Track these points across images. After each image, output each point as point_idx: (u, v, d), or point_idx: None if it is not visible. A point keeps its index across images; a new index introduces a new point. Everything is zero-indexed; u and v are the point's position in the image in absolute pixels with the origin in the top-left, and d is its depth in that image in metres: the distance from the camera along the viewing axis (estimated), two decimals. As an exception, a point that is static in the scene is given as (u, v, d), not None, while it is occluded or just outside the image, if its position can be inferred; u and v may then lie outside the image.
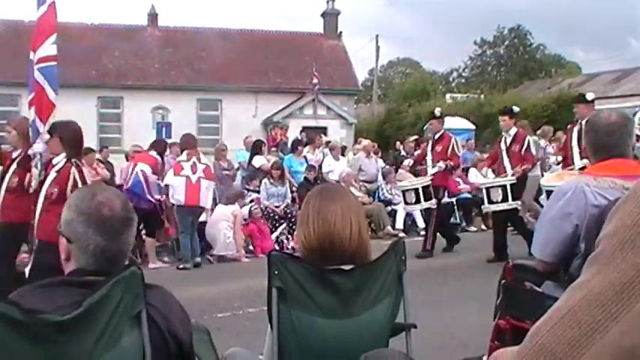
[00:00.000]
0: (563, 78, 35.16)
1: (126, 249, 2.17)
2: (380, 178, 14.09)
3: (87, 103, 24.14)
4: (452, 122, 18.19)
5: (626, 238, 0.99)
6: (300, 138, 16.41)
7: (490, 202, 9.57)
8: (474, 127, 22.21)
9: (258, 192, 12.14)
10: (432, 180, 10.25)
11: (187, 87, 25.48)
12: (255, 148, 13.51)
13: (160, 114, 21.10)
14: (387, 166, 14.95)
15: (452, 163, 10.30)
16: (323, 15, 30.18)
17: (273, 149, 15.39)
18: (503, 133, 9.92)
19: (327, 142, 16.16)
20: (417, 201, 10.29)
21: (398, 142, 18.93)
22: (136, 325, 2.03)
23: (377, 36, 36.04)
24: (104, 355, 1.95)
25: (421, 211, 11.67)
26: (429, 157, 10.48)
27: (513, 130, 9.68)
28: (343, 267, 2.58)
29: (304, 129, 20.55)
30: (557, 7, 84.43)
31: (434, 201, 10.21)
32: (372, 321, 2.64)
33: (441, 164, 10.18)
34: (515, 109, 10.00)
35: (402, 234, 11.94)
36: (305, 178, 12.87)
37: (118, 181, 12.50)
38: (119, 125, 25.05)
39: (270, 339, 2.61)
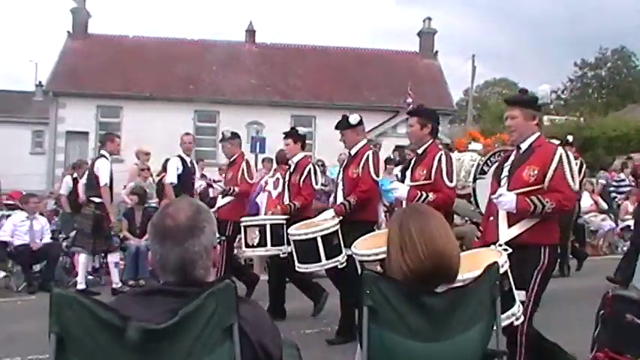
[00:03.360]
0: (669, 102, 33.83)
1: (192, 257, 2.14)
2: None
3: (184, 116, 24.87)
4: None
5: None
6: (392, 157, 16.34)
7: (247, 245, 7.48)
8: (571, 150, 21.62)
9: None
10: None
11: (282, 103, 25.80)
12: (345, 166, 13.55)
13: (254, 128, 21.37)
14: (480, 187, 14.63)
15: (236, 189, 8.46)
16: (419, 34, 30.10)
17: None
18: (289, 162, 8.25)
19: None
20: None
21: None
22: (227, 337, 2.05)
23: (473, 55, 35.57)
24: (196, 364, 1.97)
25: None
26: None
27: (298, 157, 7.92)
28: (437, 289, 2.54)
29: (397, 148, 20.43)
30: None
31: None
32: (464, 346, 2.57)
33: (217, 187, 8.37)
34: (301, 130, 8.35)
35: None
36: (397, 197, 12.79)
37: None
38: (214, 139, 25.60)
39: (360, 358, 2.59)
